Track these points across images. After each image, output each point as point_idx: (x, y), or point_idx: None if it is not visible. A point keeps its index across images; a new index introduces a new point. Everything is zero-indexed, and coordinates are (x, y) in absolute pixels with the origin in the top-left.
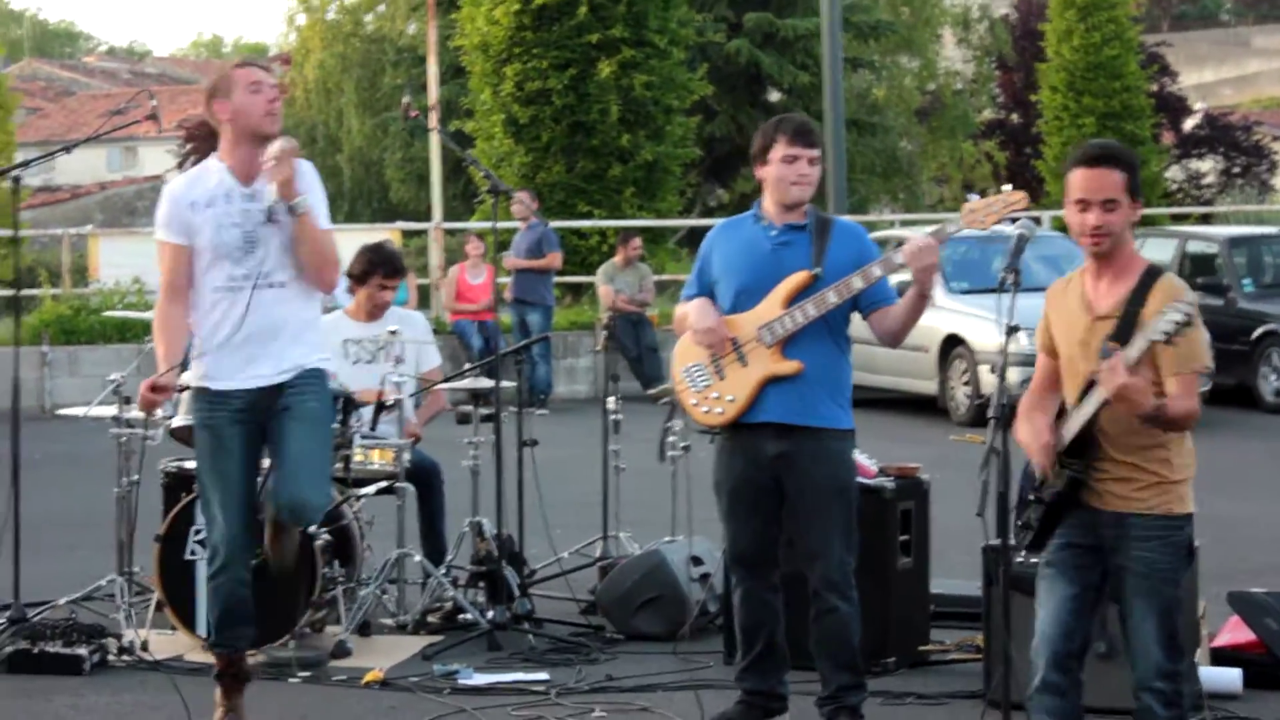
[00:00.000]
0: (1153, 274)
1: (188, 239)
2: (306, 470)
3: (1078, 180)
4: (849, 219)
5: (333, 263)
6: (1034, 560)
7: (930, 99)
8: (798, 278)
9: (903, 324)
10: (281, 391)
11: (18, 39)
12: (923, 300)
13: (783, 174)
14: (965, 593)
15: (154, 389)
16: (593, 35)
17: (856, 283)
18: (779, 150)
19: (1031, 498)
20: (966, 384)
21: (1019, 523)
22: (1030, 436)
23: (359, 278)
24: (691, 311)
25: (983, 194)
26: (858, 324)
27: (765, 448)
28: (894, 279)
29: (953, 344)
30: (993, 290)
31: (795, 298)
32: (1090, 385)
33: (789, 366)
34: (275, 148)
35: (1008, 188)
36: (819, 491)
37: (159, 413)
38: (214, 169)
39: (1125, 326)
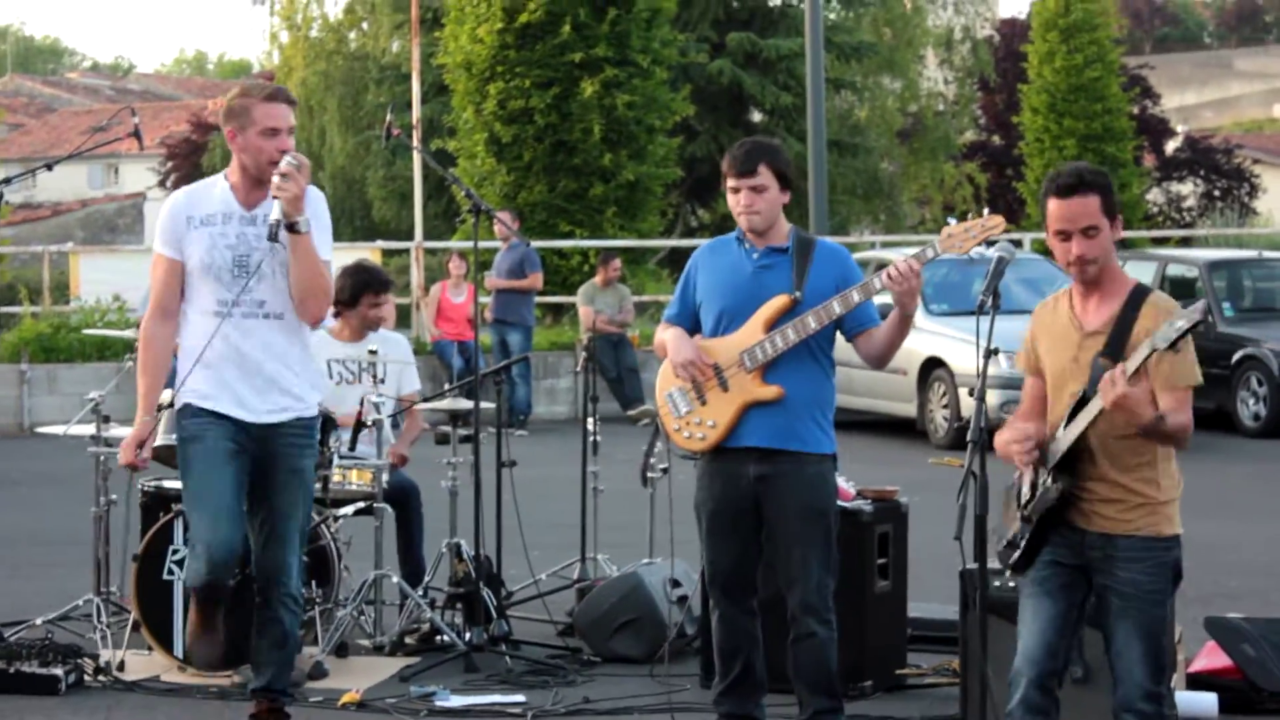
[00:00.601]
0: (1141, 292)
1: (180, 254)
2: (290, 532)
3: (1055, 211)
4: (831, 240)
5: (323, 295)
6: (1011, 584)
7: (912, 120)
8: (778, 302)
9: (886, 346)
10: (275, 434)
11: (1, 55)
12: (906, 322)
13: (732, 205)
14: (942, 616)
15: (139, 445)
16: (576, 54)
17: (836, 308)
18: (728, 181)
19: (1019, 515)
20: (946, 407)
21: (1006, 540)
22: (1012, 434)
23: (349, 302)
24: (670, 343)
25: (962, 218)
26: (839, 345)
27: (746, 471)
28: (877, 300)
29: (932, 366)
30: (973, 313)
31: (776, 322)
32: (1081, 402)
33: (769, 392)
34: (286, 163)
35: (986, 212)
36: (798, 515)
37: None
38: (219, 187)
39: (1115, 343)
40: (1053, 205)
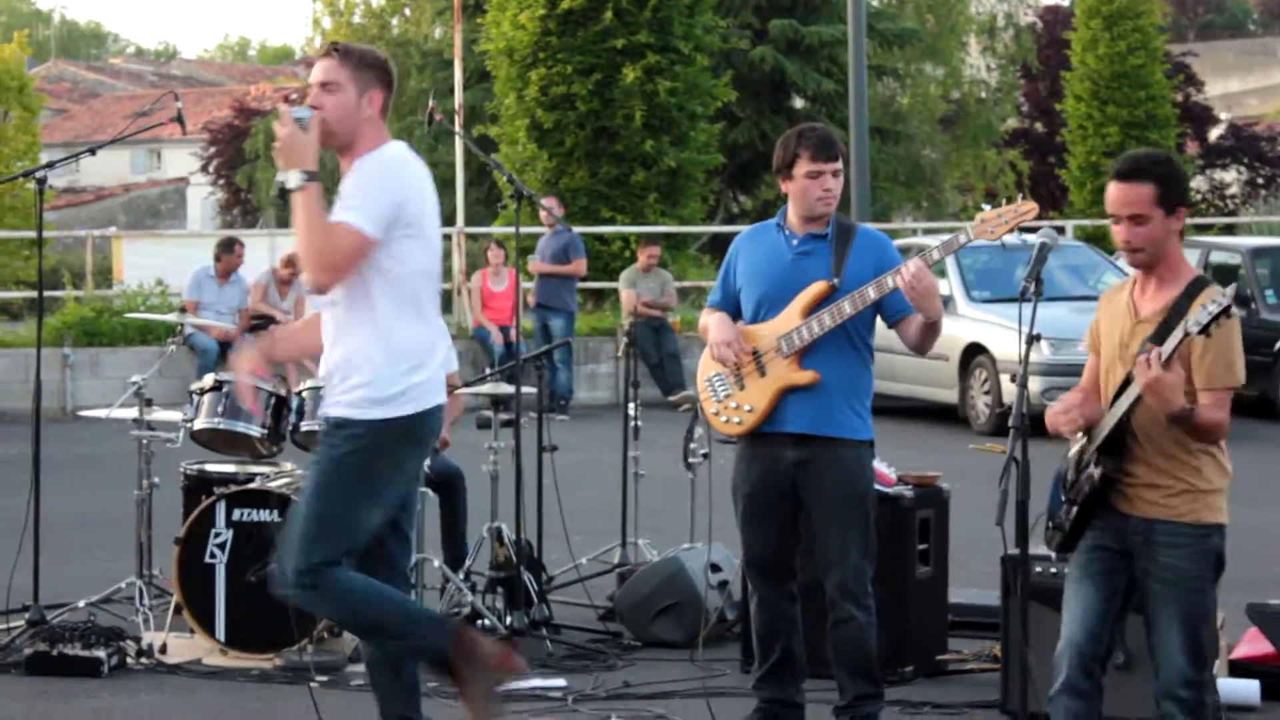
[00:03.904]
0: (1199, 283)
1: None
2: (291, 535)
3: (1109, 193)
4: (872, 226)
5: (320, 262)
6: (1053, 570)
7: (954, 107)
8: (816, 288)
9: (921, 339)
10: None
11: (44, 40)
12: (929, 321)
13: (807, 189)
14: (983, 602)
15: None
16: (618, 40)
17: (871, 293)
18: (803, 165)
19: (1064, 499)
20: (987, 393)
21: (1050, 524)
22: (1059, 404)
23: None
24: (710, 326)
25: (995, 204)
26: (880, 331)
27: (783, 456)
28: None
29: (974, 353)
30: (1014, 299)
31: (814, 308)
32: (1125, 384)
33: (805, 376)
34: (280, 112)
35: (1020, 197)
36: (835, 500)
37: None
38: None
39: (1164, 329)
40: (1109, 188)
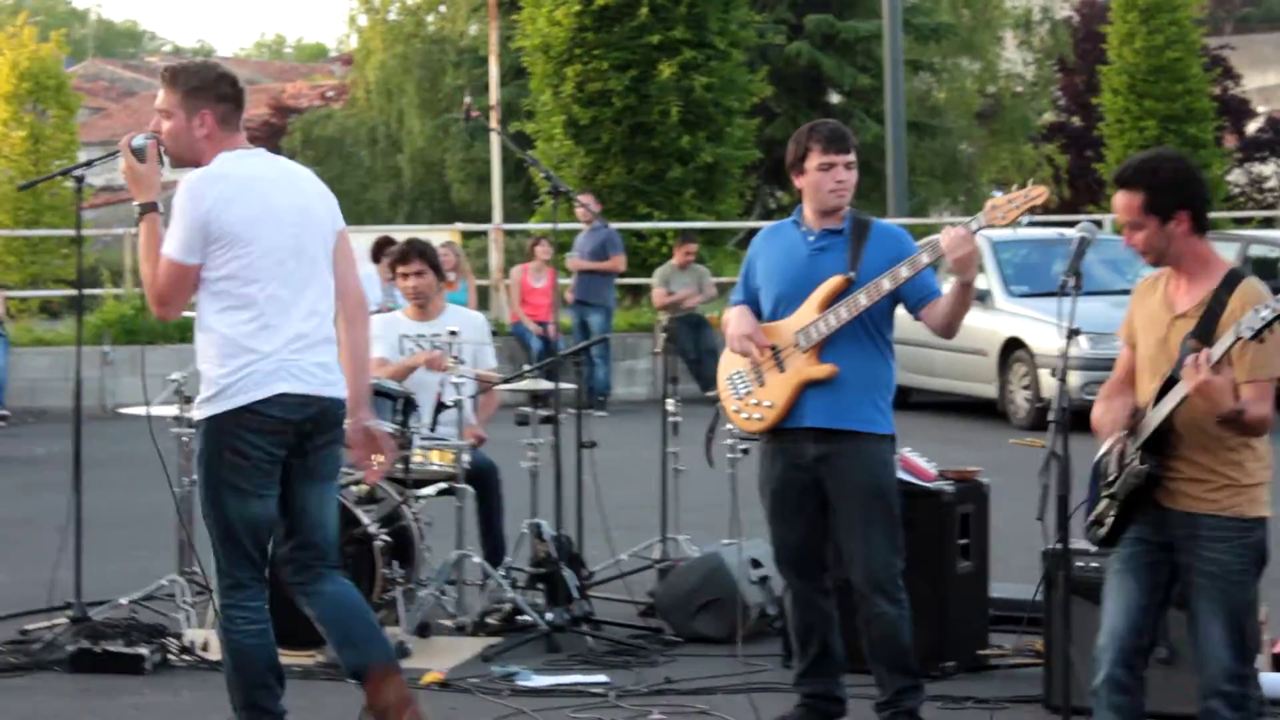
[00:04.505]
0: (1235, 277)
1: None
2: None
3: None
4: (907, 222)
5: (151, 293)
6: (1094, 564)
7: (991, 102)
8: (833, 282)
9: (950, 317)
10: None
11: (81, 39)
12: (967, 290)
13: (820, 181)
14: (1025, 597)
15: None
16: (653, 36)
17: (886, 284)
18: (814, 158)
19: (1104, 494)
20: (1026, 388)
21: (1091, 518)
22: (1107, 416)
23: (392, 278)
24: (730, 319)
25: (1005, 191)
26: (916, 327)
27: (805, 451)
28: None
29: (1013, 347)
30: (1053, 294)
31: (831, 302)
32: (1169, 382)
33: (823, 370)
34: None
35: (1030, 183)
36: (858, 495)
37: None
38: None
39: (1205, 325)
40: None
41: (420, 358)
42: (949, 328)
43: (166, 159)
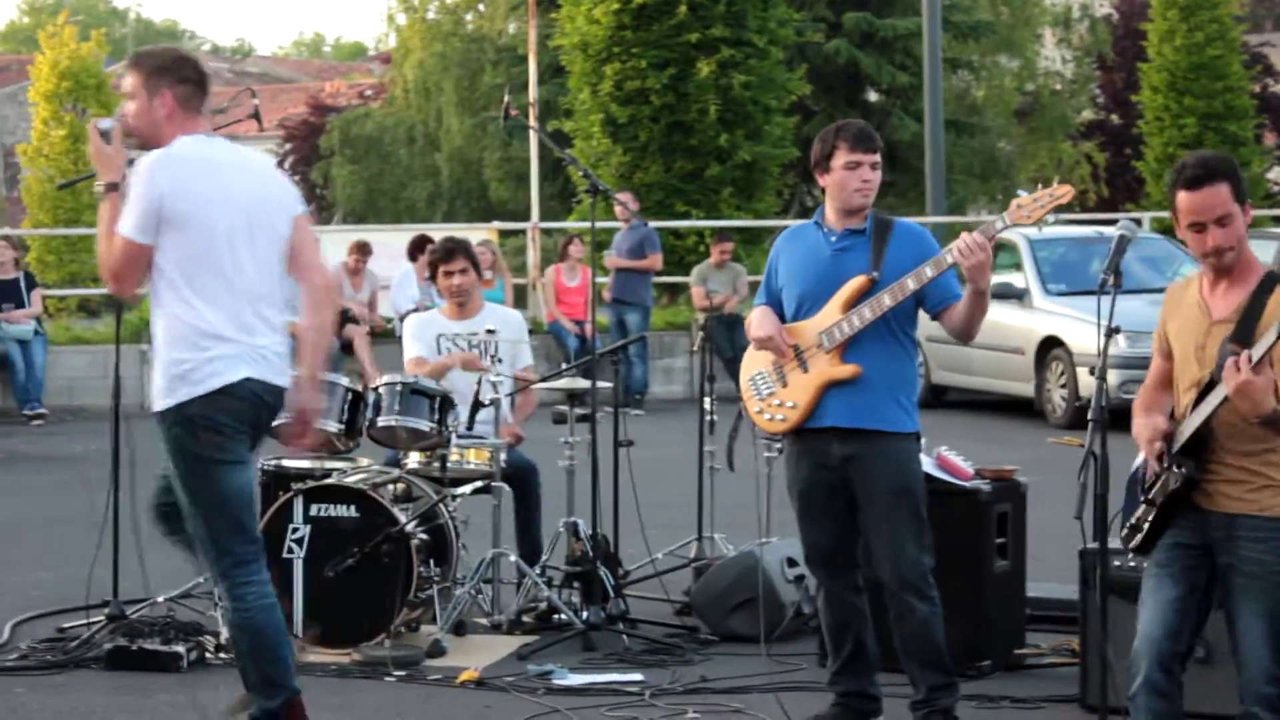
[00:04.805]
0: (1272, 279)
1: None
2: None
3: (1186, 203)
4: (944, 220)
5: (105, 269)
6: (1132, 564)
7: (1029, 99)
8: (856, 282)
9: (967, 321)
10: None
11: (121, 38)
12: (980, 297)
13: (845, 180)
14: (1062, 596)
15: None
16: (692, 35)
17: (910, 284)
18: (840, 157)
19: (1142, 499)
20: (1064, 386)
21: (1129, 524)
22: (1147, 430)
23: (433, 277)
24: (752, 320)
25: (1031, 190)
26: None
27: (831, 451)
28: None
29: (1050, 346)
30: (1090, 292)
31: (854, 302)
32: (1208, 386)
33: (846, 371)
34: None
35: (1056, 181)
36: (885, 494)
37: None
38: None
39: (1244, 328)
40: (1183, 198)
41: (456, 358)
42: (966, 332)
43: (130, 141)
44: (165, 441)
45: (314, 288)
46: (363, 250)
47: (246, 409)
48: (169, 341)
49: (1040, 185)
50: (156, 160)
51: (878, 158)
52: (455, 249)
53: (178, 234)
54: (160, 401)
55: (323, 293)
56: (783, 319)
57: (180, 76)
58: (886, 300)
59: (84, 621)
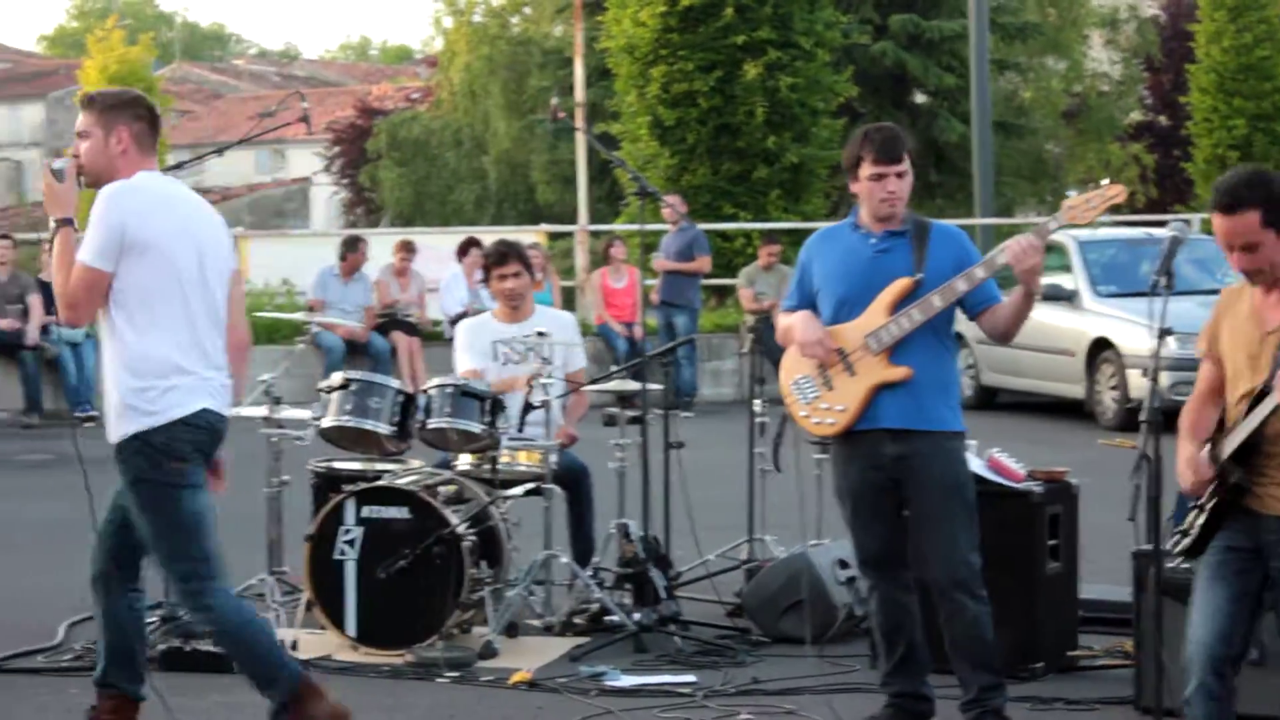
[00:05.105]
0: None
1: None
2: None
3: (1216, 225)
4: (992, 222)
5: (63, 300)
6: (1185, 565)
7: (1077, 101)
8: (901, 284)
9: (1011, 323)
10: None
11: (168, 42)
12: (1029, 300)
13: (871, 191)
14: (1114, 598)
15: None
16: (739, 37)
17: (960, 285)
18: (866, 168)
19: (1191, 505)
20: (1114, 388)
21: (1177, 529)
22: (1185, 465)
23: (485, 280)
24: (796, 325)
25: (1081, 191)
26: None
27: (882, 452)
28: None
29: (1100, 348)
30: (1140, 294)
31: (899, 304)
32: (1261, 395)
33: (899, 373)
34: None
35: (1105, 182)
36: (938, 493)
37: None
38: None
39: None
40: (1215, 220)
41: (521, 382)
42: (1007, 334)
43: (82, 180)
44: (124, 473)
45: (233, 346)
46: (407, 249)
47: (205, 438)
48: (127, 370)
49: (1090, 186)
50: (119, 189)
51: (903, 166)
52: (509, 252)
53: (138, 262)
54: (118, 430)
55: (239, 352)
56: None
57: (135, 114)
58: (937, 302)
59: None
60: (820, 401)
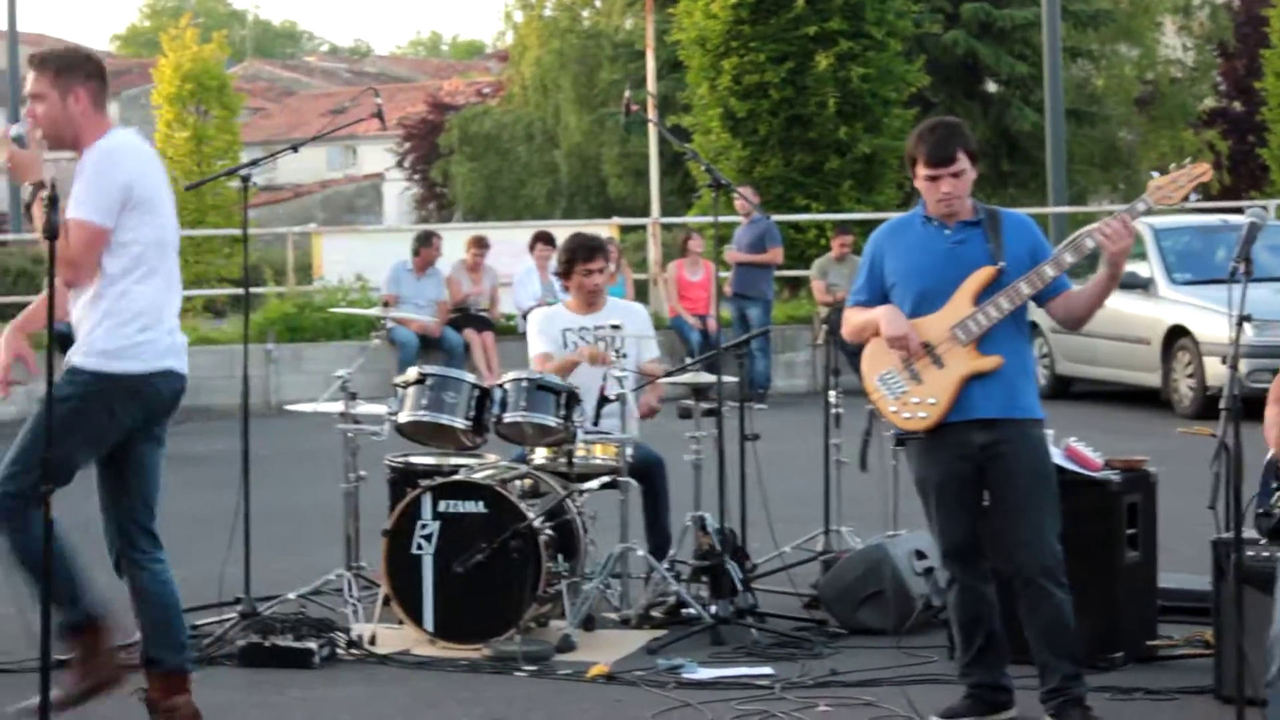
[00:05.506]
0: None
1: None
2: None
3: None
4: (1066, 210)
5: (61, 260)
6: (1265, 554)
7: (1150, 88)
8: (984, 273)
9: (1089, 307)
10: None
11: (240, 40)
12: (1113, 282)
13: (927, 192)
14: (1194, 587)
15: None
16: (810, 28)
17: (1049, 271)
18: (920, 169)
19: (1275, 485)
20: (1191, 376)
21: (1260, 510)
22: (1271, 427)
23: (565, 273)
24: (880, 319)
25: (1164, 172)
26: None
27: (971, 442)
28: None
29: (1176, 335)
30: (1216, 281)
31: (982, 294)
32: None
33: (990, 362)
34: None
35: (1189, 161)
36: (1027, 480)
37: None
38: None
39: None
40: None
41: (584, 353)
42: (1082, 320)
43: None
44: (67, 388)
45: None
46: (480, 244)
47: (154, 402)
48: (115, 315)
49: (1175, 165)
50: (119, 146)
51: (957, 167)
52: (598, 247)
53: (139, 217)
54: (77, 358)
55: None
56: None
57: (87, 73)
58: (1025, 289)
59: (217, 619)
60: (909, 396)
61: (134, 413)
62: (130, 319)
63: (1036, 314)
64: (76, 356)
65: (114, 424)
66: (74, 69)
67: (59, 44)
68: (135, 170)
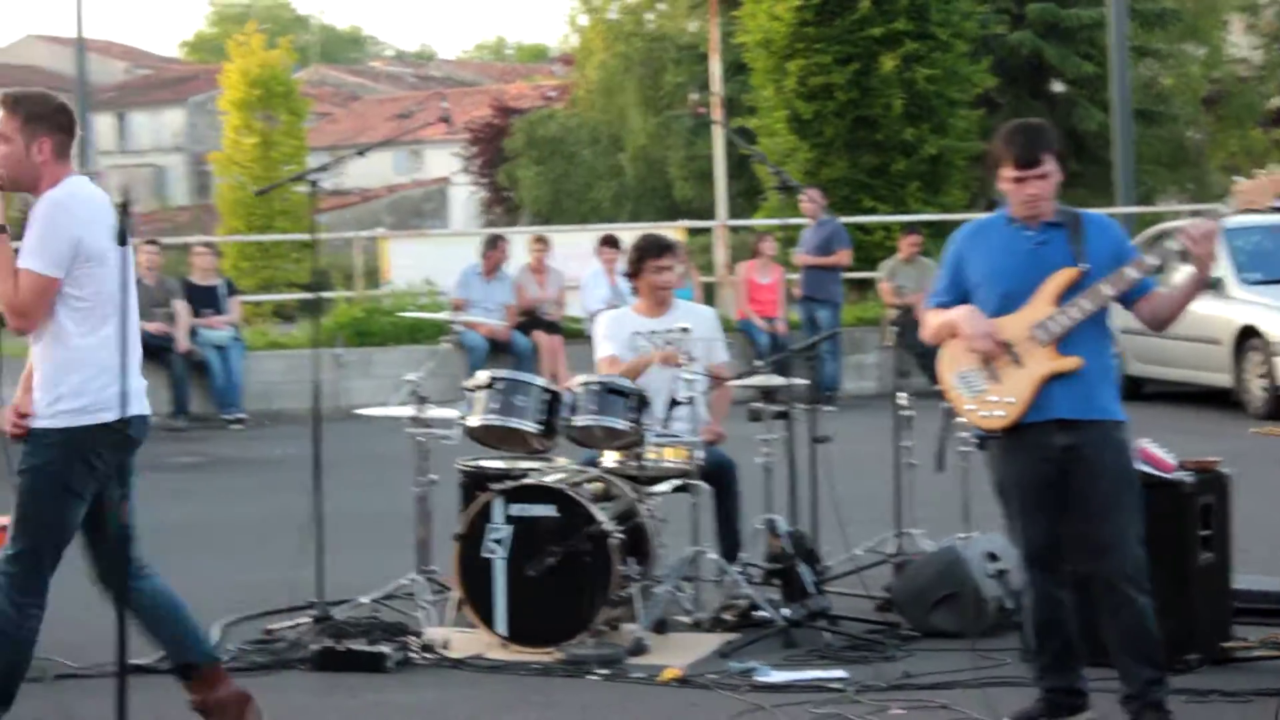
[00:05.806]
0: None
1: None
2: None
3: None
4: (1134, 211)
5: (11, 308)
6: None
7: (1217, 87)
8: (1066, 274)
9: (1175, 309)
10: None
11: (306, 45)
12: (1199, 285)
13: (1013, 194)
14: (1269, 588)
15: None
16: (875, 29)
17: (1132, 273)
18: (1006, 170)
19: None
20: (1262, 376)
21: None
22: None
23: (634, 273)
24: (960, 319)
25: (1245, 176)
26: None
27: (1052, 443)
28: None
29: (1247, 335)
30: None
31: (1064, 295)
32: None
33: (1070, 363)
34: None
35: (1273, 166)
36: (1110, 483)
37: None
38: None
39: None
40: None
41: (655, 355)
42: (1168, 321)
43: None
44: (30, 456)
45: None
46: (542, 242)
47: (128, 445)
48: (72, 369)
49: (1258, 171)
50: (68, 198)
51: (1044, 168)
52: (668, 245)
53: (89, 269)
54: (49, 420)
55: None
56: None
57: (56, 124)
58: (1108, 290)
59: (290, 623)
60: (988, 394)
61: (109, 461)
62: (96, 373)
63: None
64: (42, 420)
65: (95, 475)
66: (43, 119)
67: (50, 81)
68: (86, 222)
